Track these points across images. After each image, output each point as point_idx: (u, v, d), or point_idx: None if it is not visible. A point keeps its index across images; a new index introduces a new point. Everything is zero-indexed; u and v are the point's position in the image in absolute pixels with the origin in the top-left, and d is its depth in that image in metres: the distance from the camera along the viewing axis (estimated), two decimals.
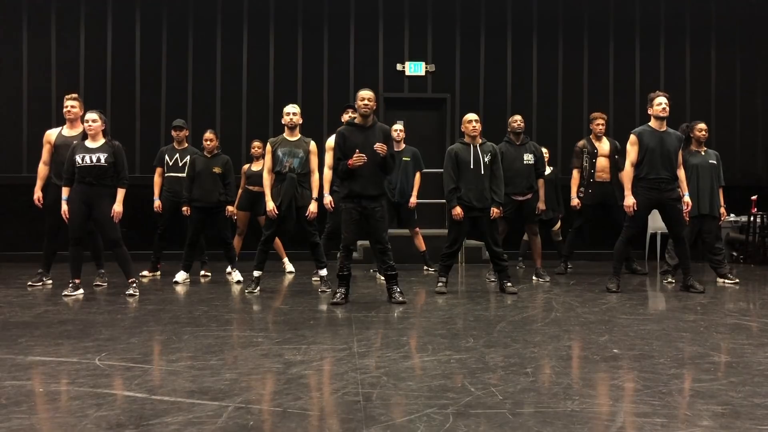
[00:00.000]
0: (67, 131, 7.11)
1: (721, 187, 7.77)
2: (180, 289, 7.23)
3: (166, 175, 8.26)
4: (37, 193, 7.19)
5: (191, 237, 7.73)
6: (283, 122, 6.89)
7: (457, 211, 6.73)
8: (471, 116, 6.89)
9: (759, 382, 3.52)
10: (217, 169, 7.73)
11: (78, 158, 6.40)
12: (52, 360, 3.97)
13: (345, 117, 7.45)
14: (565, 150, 10.59)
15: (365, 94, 6.12)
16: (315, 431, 2.79)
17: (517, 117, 7.91)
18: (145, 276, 8.11)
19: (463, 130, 6.94)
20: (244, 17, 11.12)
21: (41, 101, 10.70)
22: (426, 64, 11.31)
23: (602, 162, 8.51)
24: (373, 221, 6.14)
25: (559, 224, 9.43)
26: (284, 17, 11.16)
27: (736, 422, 2.88)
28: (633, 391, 3.41)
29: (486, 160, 6.80)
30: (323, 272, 7.02)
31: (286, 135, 6.87)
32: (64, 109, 7.12)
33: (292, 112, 6.86)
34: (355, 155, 5.95)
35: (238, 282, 7.69)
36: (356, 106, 6.21)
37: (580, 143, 8.67)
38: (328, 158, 7.02)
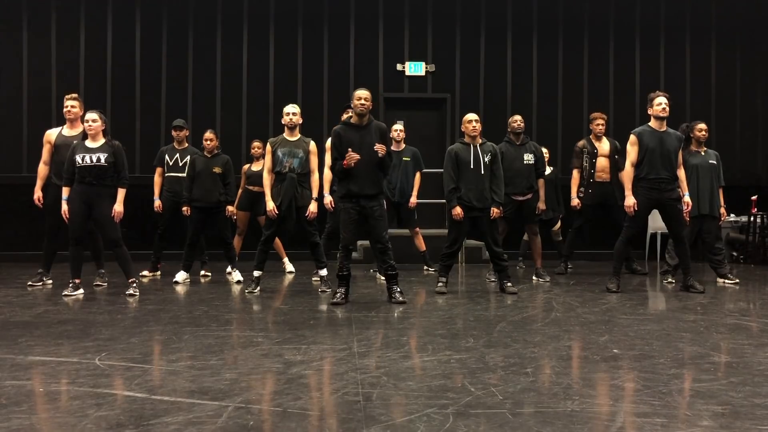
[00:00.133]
0: (67, 131, 7.11)
1: (721, 187, 7.77)
2: (180, 289, 7.23)
3: (166, 175, 8.26)
4: (37, 193, 7.19)
5: (191, 237, 7.73)
6: (283, 122, 6.89)
7: (457, 211, 6.73)
8: (471, 116, 6.89)
9: (759, 382, 3.52)
10: (217, 169, 7.74)
11: (78, 158, 6.40)
12: (52, 360, 3.97)
13: (345, 117, 7.45)
14: (565, 150, 10.59)
15: (362, 93, 6.13)
16: (315, 431, 2.79)
17: (517, 117, 7.91)
18: (145, 276, 8.11)
19: (463, 130, 6.95)
20: (244, 17, 11.12)
21: (41, 101, 10.70)
22: (426, 64, 11.32)
23: (602, 162, 8.51)
24: (372, 220, 6.14)
25: (559, 224, 9.43)
26: (284, 17, 11.17)
27: (736, 422, 2.88)
28: (633, 391, 3.41)
29: (486, 160, 6.80)
30: (323, 272, 7.03)
31: (285, 135, 6.87)
32: (64, 109, 7.12)
33: (291, 112, 6.86)
34: (348, 155, 5.95)
35: (238, 282, 7.69)
36: (352, 105, 6.21)
37: (580, 143, 8.67)
38: (328, 158, 7.02)
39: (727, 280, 7.64)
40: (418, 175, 8.50)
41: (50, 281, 7.38)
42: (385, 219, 6.30)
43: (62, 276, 7.45)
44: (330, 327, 5.06)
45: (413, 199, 8.43)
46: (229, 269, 8.19)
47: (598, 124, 8.58)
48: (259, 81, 11.10)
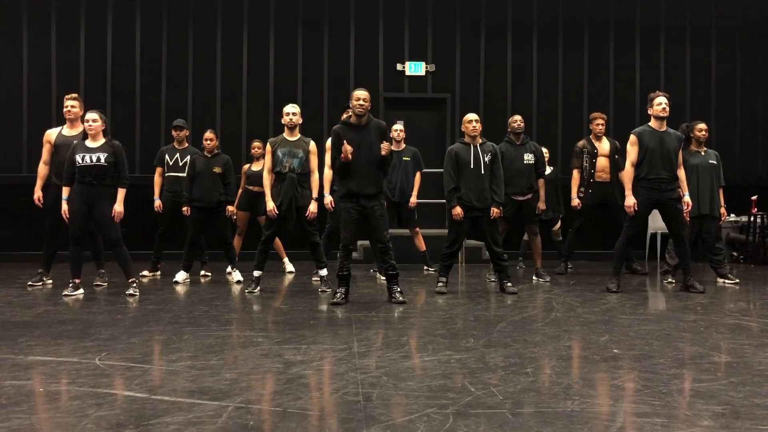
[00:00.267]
0: (67, 131, 7.10)
1: (721, 187, 7.77)
2: (180, 289, 7.23)
3: (166, 174, 8.26)
4: (37, 193, 7.20)
5: (191, 237, 7.73)
6: (282, 122, 6.89)
7: (457, 211, 6.73)
8: (471, 116, 6.89)
9: (759, 382, 3.52)
10: (217, 169, 7.74)
11: (78, 158, 6.40)
12: (52, 360, 3.97)
13: (345, 117, 7.44)
14: (565, 150, 10.59)
15: (360, 94, 6.12)
16: (315, 431, 2.79)
17: (517, 117, 7.91)
18: (145, 276, 8.11)
19: (463, 129, 6.95)
20: (244, 17, 11.12)
21: (41, 101, 10.70)
22: (426, 64, 11.32)
23: (602, 162, 8.51)
24: (373, 220, 6.14)
25: (559, 224, 9.43)
26: (284, 17, 11.17)
27: (736, 422, 2.88)
28: (633, 391, 3.41)
29: (486, 160, 6.80)
30: (323, 272, 7.02)
31: (285, 135, 6.87)
32: (64, 109, 7.12)
33: (291, 112, 6.86)
34: (343, 147, 5.94)
35: (238, 282, 7.69)
36: (351, 105, 6.21)
37: (580, 143, 8.67)
38: (329, 158, 7.02)
39: (727, 280, 7.64)
40: (418, 175, 8.51)
41: (50, 281, 7.38)
42: (386, 219, 6.30)
43: (62, 276, 7.45)
44: (330, 327, 5.06)
45: (413, 199, 8.43)
46: (229, 269, 8.19)
47: (598, 124, 8.58)
48: (259, 81, 11.10)
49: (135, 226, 9.48)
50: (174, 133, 8.38)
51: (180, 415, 2.95)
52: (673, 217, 6.91)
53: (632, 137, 6.93)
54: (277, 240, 8.44)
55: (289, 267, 8.88)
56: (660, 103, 6.83)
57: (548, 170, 8.81)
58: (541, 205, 7.99)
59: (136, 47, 10.97)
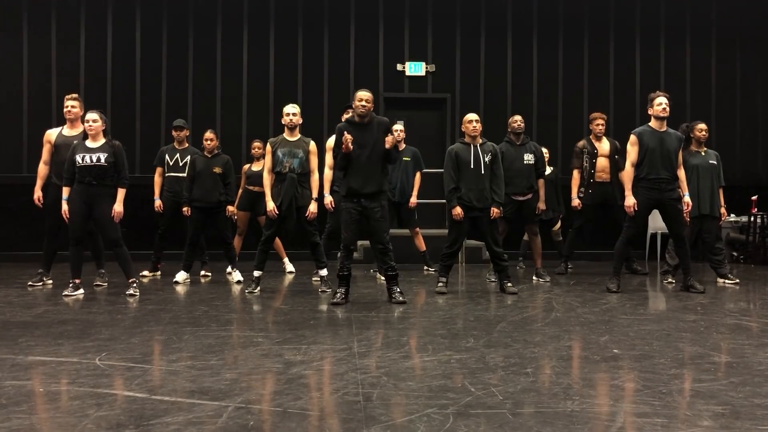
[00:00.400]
0: (67, 131, 7.10)
1: (721, 187, 7.77)
2: (180, 289, 7.23)
3: (166, 175, 8.26)
4: (37, 193, 7.20)
5: (191, 237, 7.73)
6: (283, 122, 6.89)
7: (458, 211, 6.73)
8: (471, 116, 6.89)
9: (759, 382, 3.52)
10: (217, 169, 7.74)
11: (78, 158, 6.40)
12: (53, 360, 3.97)
13: (345, 117, 7.44)
14: (565, 150, 10.59)
15: (363, 95, 6.13)
16: (315, 431, 2.79)
17: (517, 117, 7.91)
18: (145, 276, 8.11)
19: (463, 129, 6.95)
20: (244, 17, 11.12)
21: (41, 101, 10.70)
22: (426, 64, 11.31)
23: (602, 162, 8.51)
24: (374, 221, 6.14)
25: (559, 224, 9.43)
26: (284, 17, 11.17)
27: (736, 422, 2.88)
28: (633, 391, 3.41)
29: (486, 160, 6.80)
30: (323, 272, 7.03)
31: (285, 135, 6.87)
32: (65, 109, 7.12)
33: (291, 112, 6.86)
34: (344, 137, 5.94)
35: (239, 282, 7.69)
36: (354, 106, 6.21)
37: (580, 143, 8.67)
38: (329, 158, 7.02)
39: (727, 280, 7.64)
40: (418, 175, 8.51)
41: (50, 281, 7.38)
42: (387, 220, 6.30)
43: (62, 276, 7.45)
44: (330, 327, 5.06)
45: (413, 199, 8.43)
46: (229, 269, 8.19)
47: (598, 125, 8.58)
48: (259, 81, 11.10)
49: (135, 226, 9.48)
50: (174, 133, 8.38)
51: (180, 415, 2.95)
52: (673, 217, 6.91)
53: (632, 137, 6.93)
54: (278, 240, 8.44)
55: (289, 267, 8.88)
56: (660, 103, 6.83)
57: (548, 170, 8.81)
58: (541, 205, 7.99)
59: (136, 47, 10.97)
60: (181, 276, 7.68)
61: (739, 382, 3.50)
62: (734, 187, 9.88)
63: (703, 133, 7.72)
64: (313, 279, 7.81)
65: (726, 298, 6.70)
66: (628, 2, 11.62)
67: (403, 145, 8.54)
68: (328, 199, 7.02)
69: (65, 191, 6.53)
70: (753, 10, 11.70)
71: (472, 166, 6.75)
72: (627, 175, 6.96)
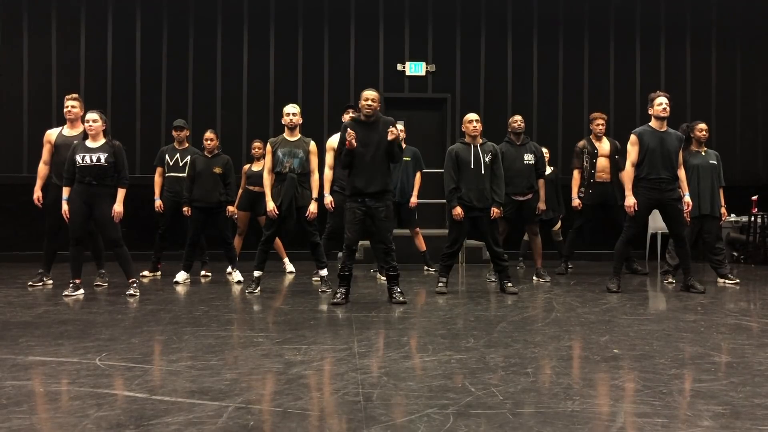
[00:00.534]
0: (67, 131, 7.10)
1: (721, 187, 7.77)
2: (180, 289, 7.23)
3: (166, 175, 8.26)
4: (37, 193, 7.19)
5: (192, 237, 7.73)
6: (283, 122, 6.89)
7: (458, 211, 6.73)
8: (471, 116, 6.89)
9: (759, 382, 3.52)
10: (217, 169, 7.74)
11: (78, 158, 6.40)
12: (53, 360, 3.97)
13: (346, 117, 7.45)
14: (565, 150, 10.59)
15: (369, 94, 6.11)
16: (315, 431, 2.79)
17: (518, 117, 7.91)
18: (145, 276, 8.11)
19: (463, 129, 6.95)
20: (244, 17, 11.12)
21: (41, 101, 10.70)
22: (426, 64, 11.31)
23: (602, 162, 8.51)
24: (378, 221, 6.14)
25: (559, 224, 9.43)
26: (284, 17, 11.16)
27: (737, 422, 2.88)
28: (633, 391, 3.41)
29: (486, 160, 6.80)
30: (323, 272, 7.03)
31: (286, 135, 6.87)
32: (65, 109, 7.12)
33: (291, 112, 6.86)
34: (347, 133, 5.94)
35: (239, 282, 7.69)
36: (360, 106, 6.21)
37: (581, 143, 8.67)
38: (329, 158, 7.03)
39: (727, 280, 7.64)
40: (418, 175, 8.51)
41: (50, 281, 7.38)
42: (391, 221, 6.30)
43: (62, 276, 7.45)
44: (330, 327, 5.05)
45: (413, 199, 8.43)
46: (229, 269, 8.19)
47: (598, 124, 8.58)
48: (259, 81, 11.09)
49: (135, 226, 9.48)
50: (174, 133, 8.38)
51: (180, 415, 2.95)
52: (673, 217, 6.91)
53: (632, 137, 6.93)
54: (278, 240, 8.44)
55: (290, 267, 8.88)
56: (660, 103, 6.84)
57: (548, 170, 8.81)
58: (542, 205, 7.99)
59: (136, 47, 10.97)
60: (182, 276, 7.68)
61: (740, 382, 3.50)
62: (734, 187, 9.87)
63: (704, 133, 7.72)
64: (313, 279, 7.81)
65: (726, 298, 6.70)
66: (628, 2, 11.61)
67: (403, 145, 8.53)
68: (328, 199, 7.03)
69: (65, 191, 6.53)
70: (753, 10, 11.70)
71: (472, 166, 6.75)
72: (627, 175, 6.96)
